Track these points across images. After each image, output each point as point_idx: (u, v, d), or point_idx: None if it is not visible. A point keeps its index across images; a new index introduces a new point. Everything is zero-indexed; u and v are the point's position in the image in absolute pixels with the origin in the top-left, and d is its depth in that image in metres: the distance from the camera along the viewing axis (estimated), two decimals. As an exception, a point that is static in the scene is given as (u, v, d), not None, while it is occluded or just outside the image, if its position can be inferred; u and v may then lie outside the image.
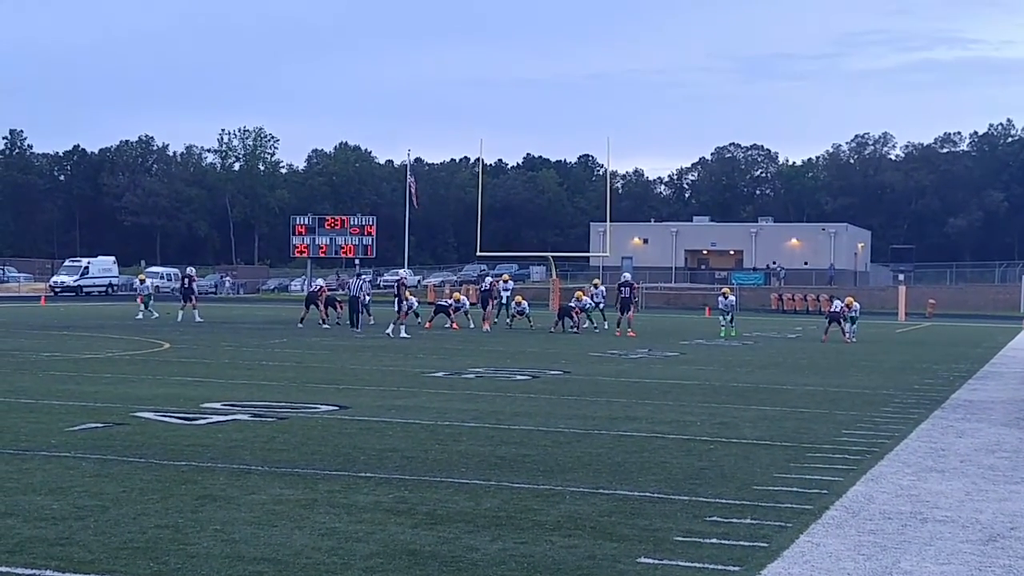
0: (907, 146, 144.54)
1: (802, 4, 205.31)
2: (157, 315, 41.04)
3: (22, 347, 25.98)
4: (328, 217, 75.75)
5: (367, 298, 38.09)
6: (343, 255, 73.52)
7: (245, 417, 13.67)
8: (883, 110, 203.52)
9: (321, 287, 40.81)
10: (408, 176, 73.75)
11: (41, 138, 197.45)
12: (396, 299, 35.30)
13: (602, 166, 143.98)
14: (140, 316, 40.87)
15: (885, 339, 38.61)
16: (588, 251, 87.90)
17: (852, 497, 9.40)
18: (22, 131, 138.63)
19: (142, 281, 44.06)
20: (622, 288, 37.48)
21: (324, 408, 14.86)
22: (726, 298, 38.89)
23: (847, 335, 34.90)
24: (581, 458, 11.17)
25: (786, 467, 10.80)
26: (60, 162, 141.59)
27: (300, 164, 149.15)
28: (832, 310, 36.13)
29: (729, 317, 38.33)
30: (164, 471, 9.87)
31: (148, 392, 16.51)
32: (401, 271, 44.73)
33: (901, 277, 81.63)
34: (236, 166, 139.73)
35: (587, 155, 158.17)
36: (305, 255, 73.51)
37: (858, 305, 37.30)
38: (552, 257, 63.09)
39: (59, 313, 46.86)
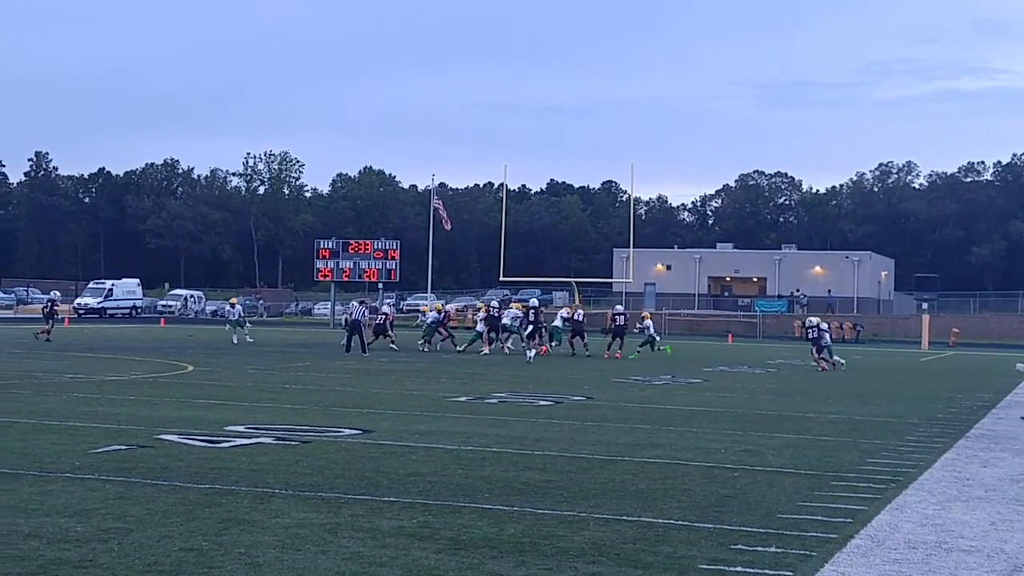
0: (931, 175, 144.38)
1: (828, 32, 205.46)
2: (252, 339, 41.11)
3: (46, 368, 26.11)
4: (352, 241, 75.83)
5: (387, 322, 38.64)
6: (366, 279, 73.57)
7: (269, 440, 13.70)
8: (907, 139, 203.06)
9: (387, 315, 40.85)
10: (434, 198, 73.89)
11: (66, 161, 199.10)
12: (530, 323, 36.58)
13: (626, 192, 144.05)
14: (237, 340, 40.85)
15: (909, 368, 38.40)
16: (611, 277, 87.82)
17: (877, 526, 9.34)
18: (47, 153, 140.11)
19: (233, 305, 43.77)
20: (616, 317, 38.27)
21: (347, 432, 14.87)
22: (641, 322, 39.74)
23: (825, 361, 33.97)
24: (605, 484, 11.14)
25: (811, 495, 10.75)
26: (85, 184, 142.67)
27: (324, 188, 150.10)
28: (811, 337, 35.17)
29: (642, 340, 39.01)
30: (188, 494, 9.89)
31: (172, 414, 16.55)
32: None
33: (925, 306, 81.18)
34: (261, 190, 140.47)
35: (611, 181, 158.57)
36: (329, 279, 73.61)
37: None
38: (575, 282, 63.11)
39: (83, 335, 47.08)
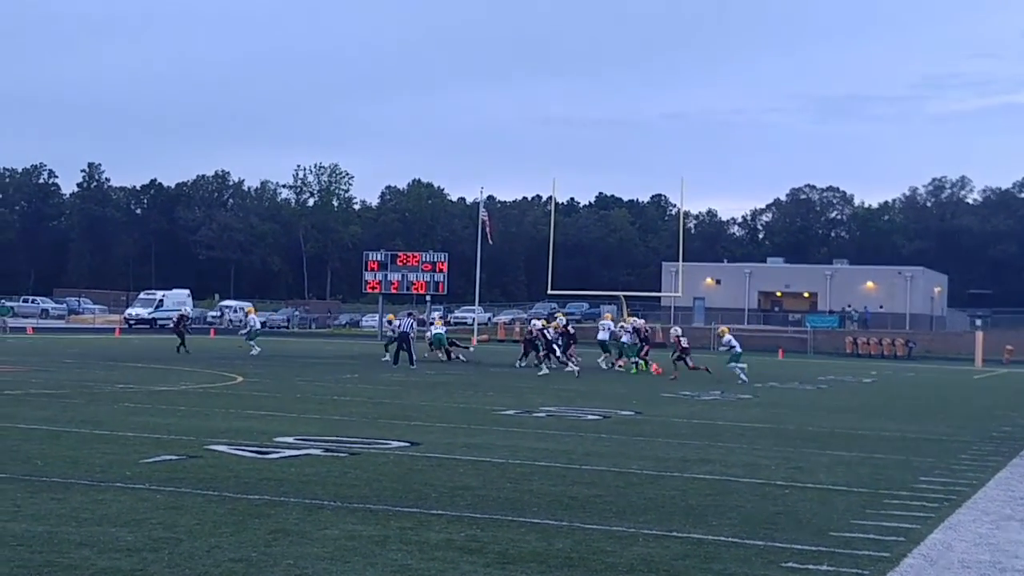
0: (985, 190, 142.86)
1: (882, 46, 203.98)
2: (257, 351, 41.20)
3: (97, 378, 26.37)
4: (400, 253, 76.12)
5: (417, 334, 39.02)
6: (414, 291, 73.71)
7: (317, 452, 13.74)
8: (961, 154, 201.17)
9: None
10: (481, 211, 74.01)
11: (119, 172, 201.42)
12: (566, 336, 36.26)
13: (675, 206, 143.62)
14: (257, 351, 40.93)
15: (962, 385, 37.95)
16: (659, 291, 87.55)
17: (930, 545, 9.22)
18: (100, 165, 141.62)
19: (390, 321, 41.94)
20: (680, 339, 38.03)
21: (395, 444, 14.89)
22: (721, 338, 38.72)
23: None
24: (654, 500, 11.08)
25: (863, 513, 10.62)
26: (137, 196, 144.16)
27: (373, 200, 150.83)
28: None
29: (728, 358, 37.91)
30: (237, 504, 9.93)
31: (221, 425, 16.65)
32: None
33: (978, 322, 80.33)
34: (310, 202, 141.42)
35: (660, 194, 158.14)
36: (377, 291, 73.79)
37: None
38: (623, 296, 62.92)
39: (133, 345, 47.54)
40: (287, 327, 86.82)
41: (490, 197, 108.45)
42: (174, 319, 43.49)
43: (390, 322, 42.57)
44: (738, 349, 34.49)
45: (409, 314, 40.33)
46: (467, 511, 10.01)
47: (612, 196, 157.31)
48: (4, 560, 7.53)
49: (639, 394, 26.90)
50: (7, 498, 9.83)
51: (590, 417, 20.21)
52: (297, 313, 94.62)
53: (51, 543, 8.11)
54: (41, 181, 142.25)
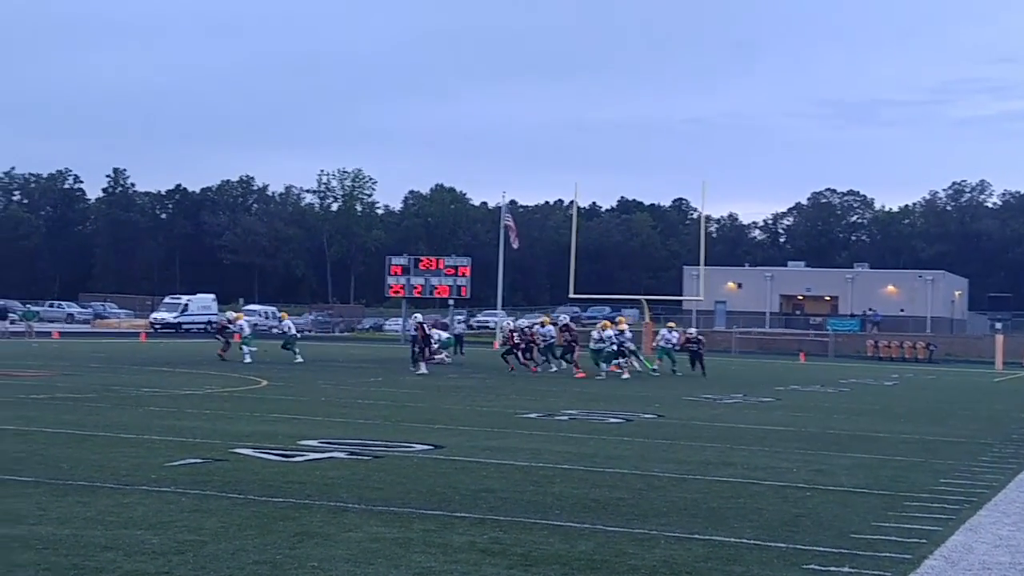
0: (1004, 194, 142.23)
1: (902, 50, 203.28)
2: (249, 360, 41.01)
3: (123, 382, 26.55)
4: (423, 258, 76.33)
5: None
6: (437, 295, 73.95)
7: (341, 455, 13.83)
8: (981, 158, 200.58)
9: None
10: (504, 215, 74.02)
11: (144, 177, 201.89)
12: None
13: (696, 210, 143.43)
14: (249, 358, 40.75)
15: (982, 388, 37.82)
16: (681, 295, 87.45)
17: (951, 547, 9.24)
18: (125, 170, 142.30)
19: (232, 322, 42.24)
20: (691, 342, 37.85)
21: (419, 447, 14.97)
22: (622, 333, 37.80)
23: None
24: (676, 503, 11.12)
25: (884, 515, 10.64)
26: (162, 201, 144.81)
27: (396, 205, 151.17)
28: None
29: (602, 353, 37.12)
30: (262, 507, 10.01)
31: (246, 428, 16.77)
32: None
33: (999, 326, 79.75)
34: (334, 206, 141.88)
35: (681, 199, 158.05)
36: (400, 295, 74.07)
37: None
38: (645, 300, 62.87)
39: (159, 349, 47.78)
40: (309, 331, 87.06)
41: (512, 201, 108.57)
42: (218, 325, 43.62)
43: (444, 327, 43.04)
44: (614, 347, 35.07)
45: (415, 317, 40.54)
46: (490, 514, 10.08)
47: (634, 200, 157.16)
48: (31, 563, 7.60)
49: (661, 397, 26.93)
50: (33, 501, 9.93)
51: (612, 420, 20.25)
52: (319, 317, 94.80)
53: (77, 546, 8.19)
54: (67, 186, 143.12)
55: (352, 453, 14.02)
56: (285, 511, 9.85)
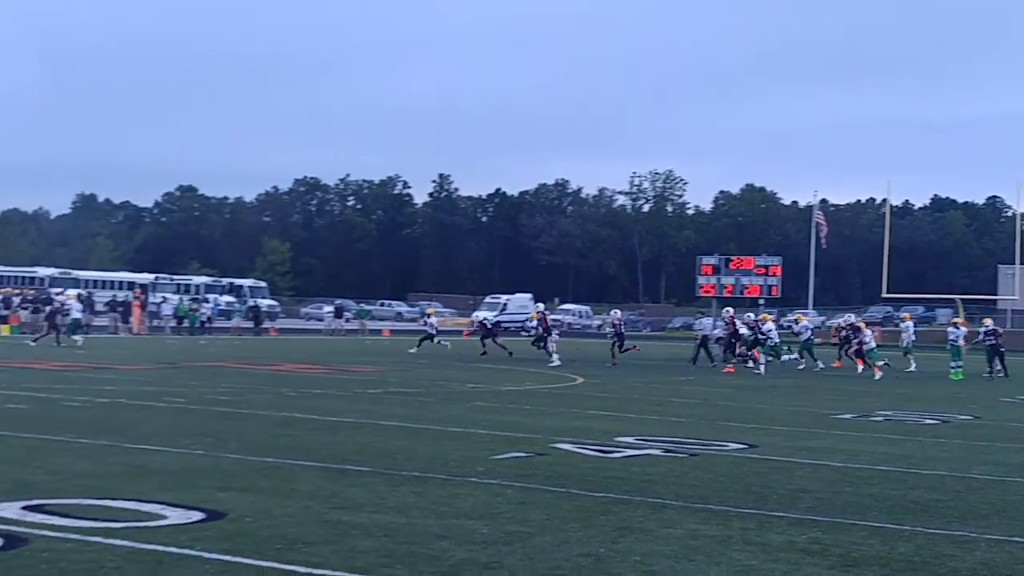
0: None
1: None
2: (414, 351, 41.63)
3: (448, 378, 27.72)
4: (734, 257, 75.60)
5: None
6: (747, 295, 73.07)
7: (657, 452, 14.01)
8: None
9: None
10: (815, 214, 72.49)
11: (466, 182, 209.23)
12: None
13: (1011, 207, 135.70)
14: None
15: None
16: (996, 294, 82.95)
17: None
18: (449, 175, 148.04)
19: (429, 316, 45.26)
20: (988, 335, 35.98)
21: (733, 446, 14.98)
22: (797, 323, 37.73)
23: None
24: (995, 505, 10.75)
25: None
26: (483, 205, 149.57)
27: (707, 205, 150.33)
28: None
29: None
30: (583, 501, 10.26)
31: (565, 424, 17.19)
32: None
33: None
34: (645, 207, 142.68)
35: (995, 196, 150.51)
36: (711, 295, 73.60)
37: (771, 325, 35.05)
38: (960, 299, 60.13)
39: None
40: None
41: (823, 200, 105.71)
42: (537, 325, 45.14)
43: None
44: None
45: (702, 313, 40.80)
46: (808, 514, 10.01)
47: (947, 198, 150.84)
48: (370, 550, 7.98)
49: (978, 399, 25.92)
50: (372, 491, 10.42)
51: (928, 422, 19.66)
52: (630, 316, 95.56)
53: (412, 534, 8.52)
54: (396, 192, 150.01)
55: (668, 450, 14.17)
56: (606, 506, 10.07)
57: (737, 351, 35.75)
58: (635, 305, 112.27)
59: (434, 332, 44.02)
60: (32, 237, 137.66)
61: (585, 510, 9.81)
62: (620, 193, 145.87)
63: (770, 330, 35.38)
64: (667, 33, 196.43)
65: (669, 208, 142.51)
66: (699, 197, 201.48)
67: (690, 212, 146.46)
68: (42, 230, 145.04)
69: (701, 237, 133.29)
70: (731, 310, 38.70)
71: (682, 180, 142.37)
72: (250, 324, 62.85)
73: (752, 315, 37.45)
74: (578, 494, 10.62)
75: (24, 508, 9.04)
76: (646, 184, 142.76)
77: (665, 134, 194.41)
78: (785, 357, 36.14)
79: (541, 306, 42.17)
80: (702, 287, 73.46)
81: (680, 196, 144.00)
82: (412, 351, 41.17)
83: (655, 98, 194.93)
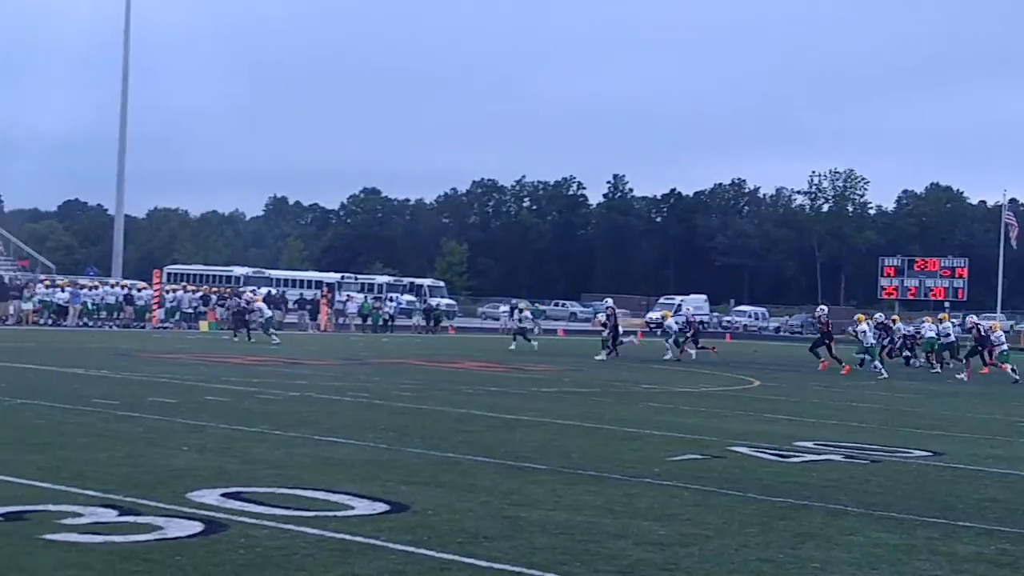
0: None
1: None
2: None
3: (622, 378, 27.75)
4: (918, 259, 73.70)
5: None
6: (932, 297, 71.14)
7: (838, 458, 13.78)
8: None
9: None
10: (1004, 214, 70.02)
11: (641, 182, 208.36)
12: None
13: None
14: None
15: None
16: None
17: None
18: (624, 176, 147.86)
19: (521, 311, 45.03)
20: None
21: (917, 453, 14.62)
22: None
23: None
24: None
25: None
26: (657, 205, 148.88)
27: (889, 205, 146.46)
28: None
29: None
30: (761, 506, 10.17)
31: (741, 427, 17.03)
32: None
33: None
34: (824, 207, 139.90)
35: None
36: (893, 297, 72.01)
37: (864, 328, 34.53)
38: None
39: (654, 347, 49.22)
40: (801, 332, 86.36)
41: (1012, 200, 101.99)
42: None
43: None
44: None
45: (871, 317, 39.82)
46: (996, 524, 9.73)
47: None
48: (548, 547, 8.08)
49: None
50: (548, 488, 10.51)
51: None
52: (808, 319, 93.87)
53: (589, 532, 8.59)
54: (571, 192, 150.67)
55: (848, 456, 13.93)
56: (785, 511, 9.97)
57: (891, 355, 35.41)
58: (814, 307, 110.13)
59: (530, 327, 44.56)
60: (229, 238, 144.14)
61: (763, 514, 9.73)
62: (798, 192, 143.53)
63: (864, 332, 35.05)
64: (844, 28, 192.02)
65: (850, 208, 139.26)
66: (881, 196, 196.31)
67: (872, 212, 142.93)
68: (238, 231, 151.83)
69: (883, 238, 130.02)
70: (824, 309, 37.87)
71: (863, 179, 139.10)
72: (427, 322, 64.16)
73: (881, 316, 37.24)
74: (756, 498, 10.54)
75: (223, 495, 9.48)
76: (825, 183, 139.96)
77: (845, 131, 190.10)
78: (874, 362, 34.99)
79: (610, 301, 42.49)
80: (884, 289, 71.89)
81: (861, 195, 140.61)
82: (512, 348, 41.08)
83: (835, 95, 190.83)
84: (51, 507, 8.73)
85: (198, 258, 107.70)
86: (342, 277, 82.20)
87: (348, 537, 8.05)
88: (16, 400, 16.71)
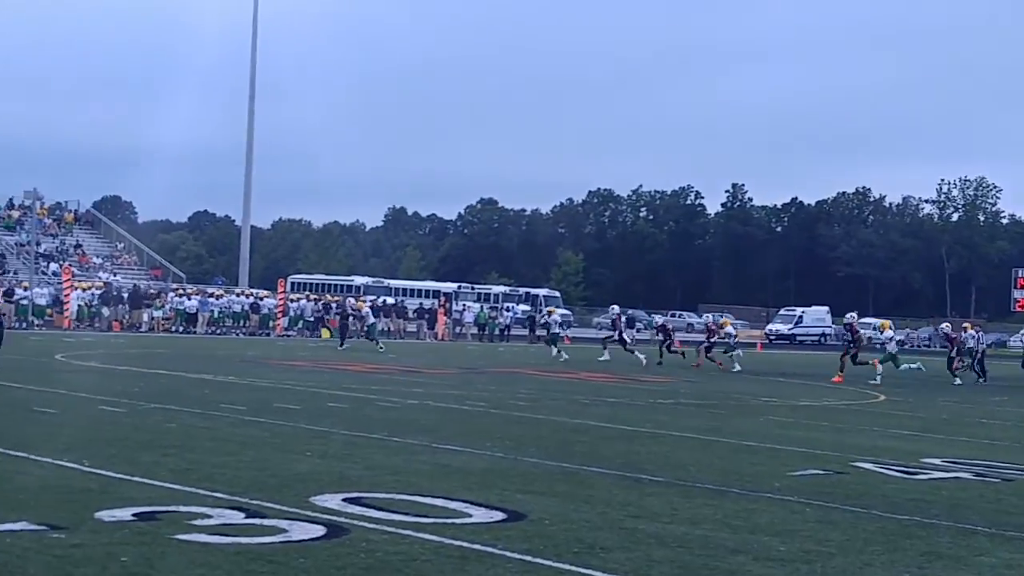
0: None
1: None
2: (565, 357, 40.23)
3: (742, 391, 27.39)
4: (1052, 270, 71.34)
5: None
6: (1071, 311, 68.88)
7: (967, 476, 13.39)
8: None
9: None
10: None
11: (761, 191, 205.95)
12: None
13: None
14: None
15: None
16: None
17: None
18: (743, 185, 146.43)
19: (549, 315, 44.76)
20: None
21: (1053, 472, 14.16)
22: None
23: None
24: None
25: None
26: (778, 214, 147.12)
27: (1023, 214, 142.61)
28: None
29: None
30: (886, 523, 9.91)
31: (865, 442, 16.65)
32: None
33: None
34: (954, 216, 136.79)
35: None
36: (1027, 310, 69.86)
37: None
38: None
39: (773, 360, 48.62)
40: (928, 346, 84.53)
41: None
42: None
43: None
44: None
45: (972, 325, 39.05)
46: None
47: None
48: (665, 559, 7.99)
49: None
50: (665, 501, 10.41)
51: None
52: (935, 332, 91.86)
53: (707, 547, 8.46)
54: (688, 202, 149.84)
55: (979, 474, 13.52)
56: (910, 529, 9.71)
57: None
58: (942, 319, 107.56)
59: (560, 333, 43.89)
60: (349, 248, 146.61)
61: (889, 533, 9.49)
62: (926, 201, 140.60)
63: (890, 339, 34.76)
64: (970, 36, 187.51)
65: (981, 217, 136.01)
66: (1015, 205, 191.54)
67: (1004, 221, 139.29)
68: (358, 241, 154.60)
69: (1016, 248, 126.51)
70: (854, 315, 36.70)
71: (995, 187, 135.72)
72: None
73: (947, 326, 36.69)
74: (880, 516, 10.27)
75: (344, 500, 9.61)
76: (955, 192, 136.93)
77: (976, 140, 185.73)
78: (904, 366, 34.48)
79: (616, 308, 42.92)
80: (1018, 301, 69.76)
81: (993, 204, 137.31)
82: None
83: (963, 101, 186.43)
84: (182, 508, 8.97)
85: (320, 268, 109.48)
86: (459, 287, 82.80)
87: (466, 544, 8.07)
88: (149, 404, 17.17)
